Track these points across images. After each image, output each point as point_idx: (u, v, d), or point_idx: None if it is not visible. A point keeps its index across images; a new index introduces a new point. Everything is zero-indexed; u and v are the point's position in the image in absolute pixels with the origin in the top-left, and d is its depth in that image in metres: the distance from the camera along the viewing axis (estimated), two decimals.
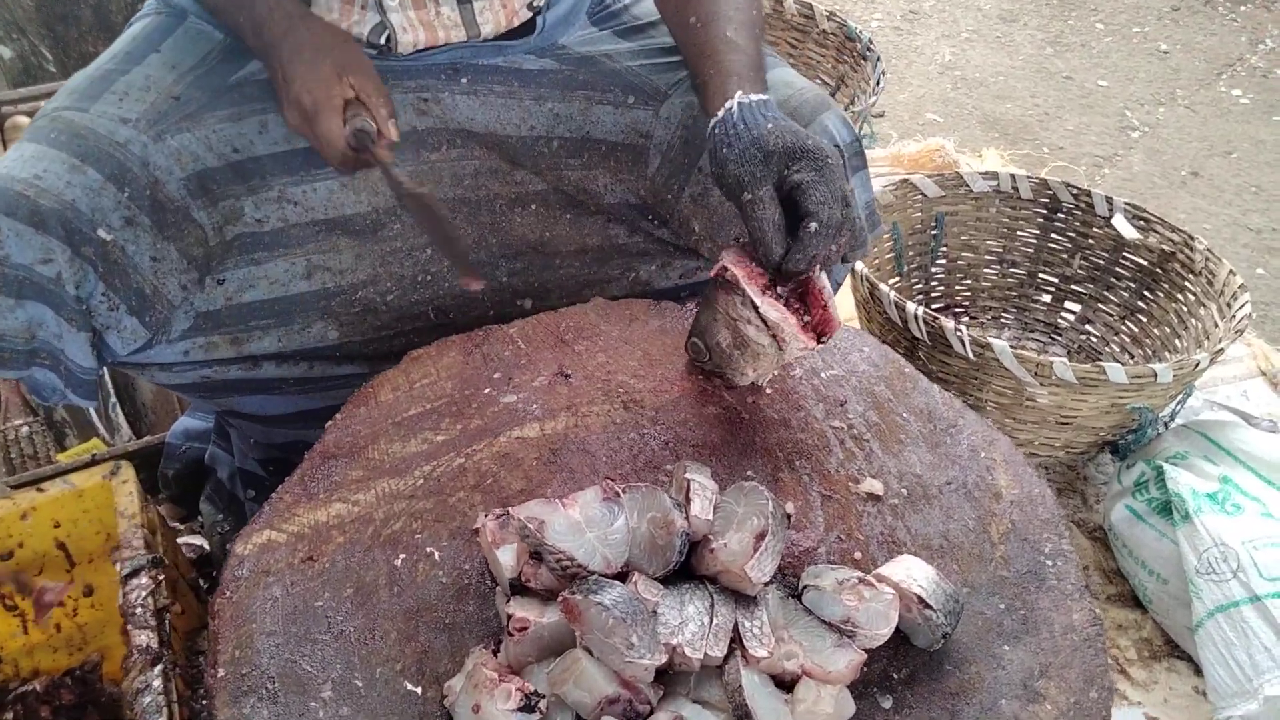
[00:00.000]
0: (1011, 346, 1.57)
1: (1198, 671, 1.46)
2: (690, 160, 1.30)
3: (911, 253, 2.06)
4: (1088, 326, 2.05)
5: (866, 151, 2.51)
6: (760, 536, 0.84)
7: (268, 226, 1.22)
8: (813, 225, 1.00)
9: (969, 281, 2.13)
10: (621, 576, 0.83)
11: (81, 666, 1.32)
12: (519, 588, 0.84)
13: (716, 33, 1.15)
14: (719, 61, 1.13)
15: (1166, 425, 1.72)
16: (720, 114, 1.07)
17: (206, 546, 1.58)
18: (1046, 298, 2.10)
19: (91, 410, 1.78)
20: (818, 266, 1.03)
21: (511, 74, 1.30)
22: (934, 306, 2.12)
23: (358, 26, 1.21)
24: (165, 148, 1.14)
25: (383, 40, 1.22)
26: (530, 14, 1.30)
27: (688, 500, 0.88)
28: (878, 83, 2.31)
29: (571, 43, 1.34)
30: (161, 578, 1.10)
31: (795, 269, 1.02)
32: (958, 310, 2.14)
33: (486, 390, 1.11)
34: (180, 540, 1.61)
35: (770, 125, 1.04)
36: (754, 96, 1.07)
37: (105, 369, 1.31)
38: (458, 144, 1.29)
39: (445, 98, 1.28)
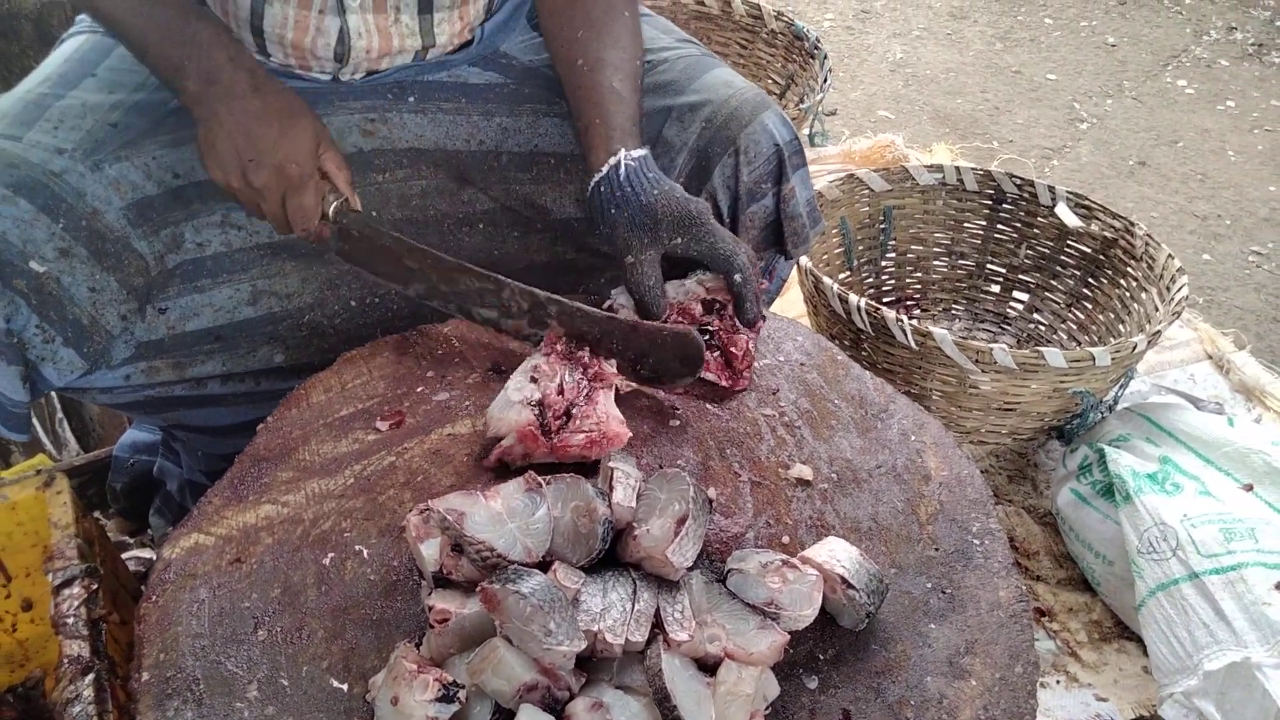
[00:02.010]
0: (961, 337, 1.59)
1: (1146, 651, 1.48)
2: None
3: (861, 247, 2.08)
4: (1035, 315, 2.07)
5: (819, 149, 2.55)
6: (681, 521, 0.85)
7: (209, 251, 1.21)
8: (737, 276, 1.09)
9: (919, 274, 2.15)
10: (543, 566, 0.83)
11: (24, 683, 1.30)
12: (441, 580, 0.85)
13: (602, 80, 1.18)
14: (604, 112, 1.17)
15: (1110, 409, 1.75)
16: (605, 170, 1.13)
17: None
18: (995, 288, 2.12)
19: (37, 426, 1.77)
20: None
21: (458, 89, 1.30)
22: (885, 300, 2.14)
23: (321, 38, 1.18)
24: (103, 177, 1.12)
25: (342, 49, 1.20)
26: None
27: (611, 488, 0.88)
28: (825, 80, 2.34)
29: (514, 50, 1.34)
30: (96, 587, 1.09)
31: (754, 317, 1.11)
32: (909, 303, 2.16)
33: (419, 389, 1.12)
34: (130, 554, 1.60)
35: (656, 192, 1.10)
36: (635, 154, 1.13)
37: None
38: (404, 164, 1.29)
39: (393, 117, 1.27)
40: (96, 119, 1.15)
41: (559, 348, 1.05)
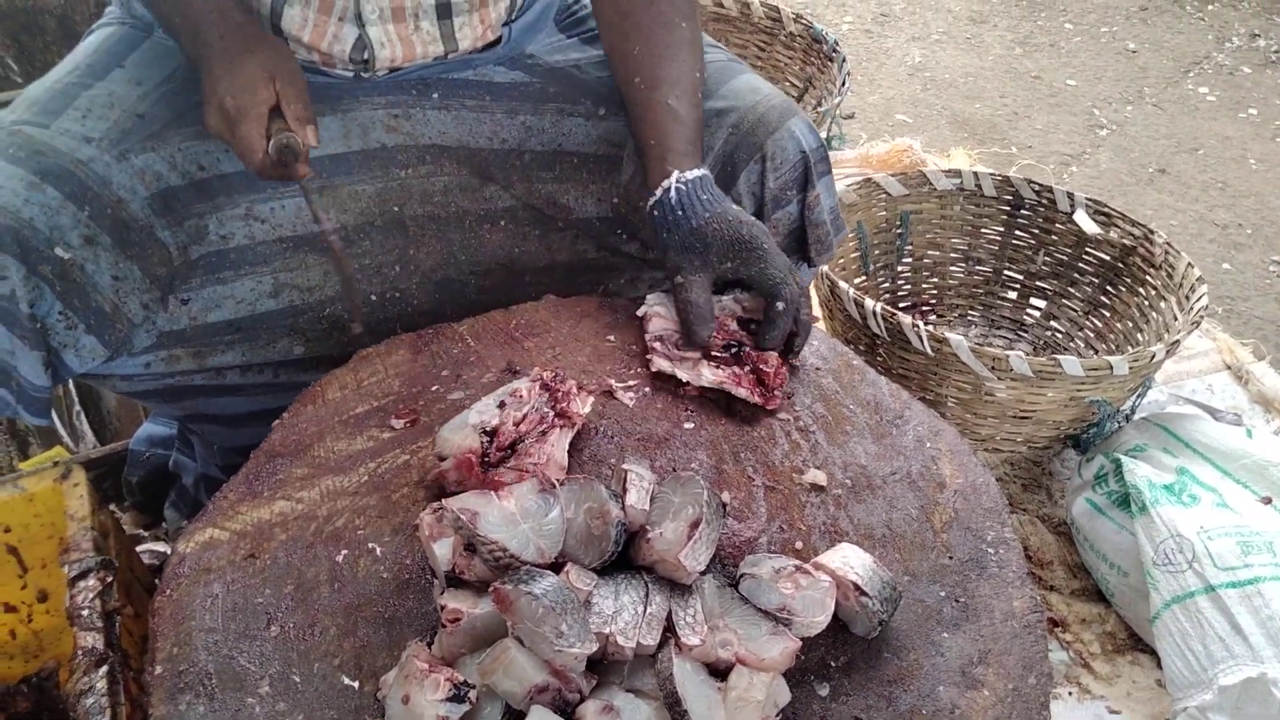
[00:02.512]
0: (977, 344, 1.59)
1: (1160, 664, 1.47)
2: None
3: (877, 251, 2.07)
4: (1053, 323, 2.06)
5: (836, 153, 2.55)
6: (695, 525, 0.85)
7: (233, 243, 1.22)
8: (779, 305, 1.10)
9: (935, 280, 2.14)
10: (556, 567, 0.83)
11: (38, 674, 1.31)
12: (454, 580, 0.85)
13: (659, 99, 1.18)
14: (660, 131, 1.17)
15: (1127, 419, 1.73)
16: (659, 194, 1.14)
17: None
18: (1012, 294, 2.11)
19: (54, 419, 1.78)
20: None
21: (483, 87, 1.31)
22: (901, 305, 2.13)
23: (338, 44, 1.19)
24: (129, 167, 1.13)
25: (364, 57, 1.21)
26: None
27: (624, 491, 0.88)
28: (843, 83, 2.33)
29: (540, 51, 1.35)
30: (111, 580, 1.10)
31: (772, 345, 1.11)
32: (925, 309, 2.15)
33: (434, 388, 1.12)
34: (145, 547, 1.61)
35: (708, 215, 1.11)
36: (690, 175, 1.13)
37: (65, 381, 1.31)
38: (427, 160, 1.29)
39: (416, 113, 1.28)
40: (124, 109, 1.16)
41: (545, 375, 1.02)
